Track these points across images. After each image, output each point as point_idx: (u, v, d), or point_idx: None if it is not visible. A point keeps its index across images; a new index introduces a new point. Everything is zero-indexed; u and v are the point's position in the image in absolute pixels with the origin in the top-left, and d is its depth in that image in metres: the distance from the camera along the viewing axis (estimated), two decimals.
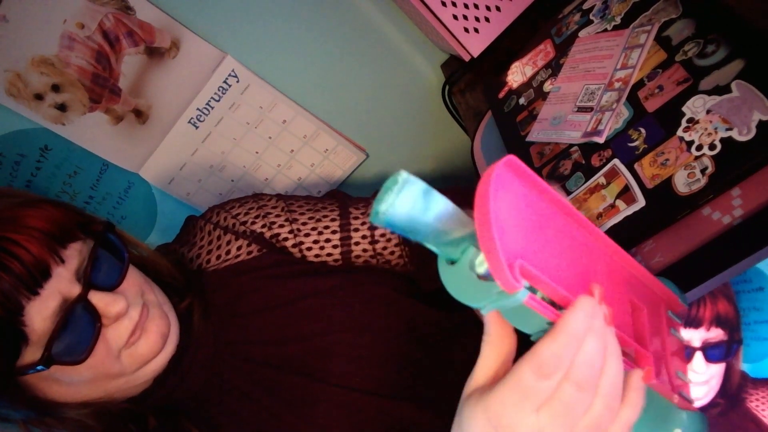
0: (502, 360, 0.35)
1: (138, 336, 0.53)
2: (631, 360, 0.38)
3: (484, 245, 0.30)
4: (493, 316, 0.36)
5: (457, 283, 0.34)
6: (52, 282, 0.49)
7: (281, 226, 0.67)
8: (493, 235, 0.30)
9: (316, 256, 0.68)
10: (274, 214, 0.68)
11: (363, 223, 0.67)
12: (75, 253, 0.52)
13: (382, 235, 0.67)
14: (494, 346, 0.36)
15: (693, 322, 0.59)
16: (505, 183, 0.33)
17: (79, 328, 0.50)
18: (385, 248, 0.68)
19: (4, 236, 0.47)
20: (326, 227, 0.67)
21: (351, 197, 0.72)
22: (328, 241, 0.67)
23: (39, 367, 0.48)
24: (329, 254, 0.67)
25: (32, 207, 0.50)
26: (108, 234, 0.55)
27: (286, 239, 0.67)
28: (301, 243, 0.67)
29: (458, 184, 0.87)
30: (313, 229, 0.67)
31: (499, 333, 0.35)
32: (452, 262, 0.34)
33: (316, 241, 0.67)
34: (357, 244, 0.67)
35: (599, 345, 0.32)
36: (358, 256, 0.68)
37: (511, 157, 0.33)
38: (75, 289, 0.50)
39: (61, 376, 0.51)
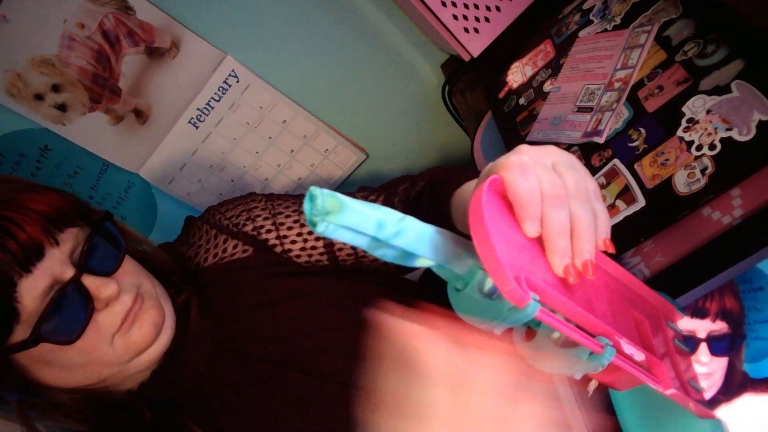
0: None
1: (131, 323, 0.54)
2: (644, 369, 0.37)
3: (485, 259, 0.30)
4: None
5: (467, 307, 0.35)
6: (45, 262, 0.50)
7: (268, 231, 0.68)
8: (495, 248, 0.30)
9: (302, 249, 0.68)
10: (263, 216, 0.68)
11: None
12: (71, 237, 0.52)
13: None
14: None
15: (699, 313, 0.60)
16: (494, 203, 0.33)
17: (70, 309, 0.51)
18: None
19: (2, 215, 0.48)
20: None
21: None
22: (311, 233, 0.67)
23: (29, 344, 0.49)
24: (314, 247, 0.68)
25: (33, 191, 0.52)
26: (105, 222, 0.56)
27: (269, 231, 0.68)
28: (285, 237, 0.67)
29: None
30: (296, 221, 0.68)
31: None
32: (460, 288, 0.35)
33: (299, 234, 0.68)
34: None
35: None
36: (341, 249, 0.68)
37: (496, 178, 0.34)
38: (68, 272, 0.51)
39: (53, 358, 0.52)
